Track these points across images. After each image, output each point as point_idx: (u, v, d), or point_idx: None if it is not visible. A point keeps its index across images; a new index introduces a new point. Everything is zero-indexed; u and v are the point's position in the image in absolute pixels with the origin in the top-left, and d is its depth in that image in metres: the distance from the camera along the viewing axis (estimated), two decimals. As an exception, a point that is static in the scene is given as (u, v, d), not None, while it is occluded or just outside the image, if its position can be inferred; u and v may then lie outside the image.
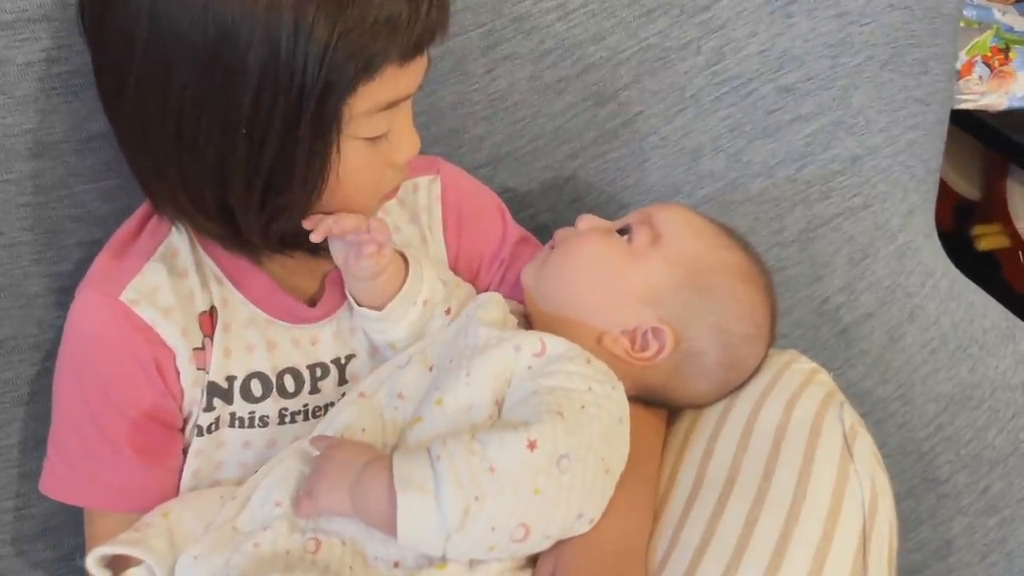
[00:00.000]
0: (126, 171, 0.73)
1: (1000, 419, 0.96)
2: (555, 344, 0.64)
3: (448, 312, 0.70)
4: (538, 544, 0.58)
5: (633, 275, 0.67)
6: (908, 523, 0.92)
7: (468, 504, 0.54)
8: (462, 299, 0.72)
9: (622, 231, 0.70)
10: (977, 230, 1.55)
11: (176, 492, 0.68)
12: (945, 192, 1.50)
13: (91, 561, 0.61)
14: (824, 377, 0.72)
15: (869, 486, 0.65)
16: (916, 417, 0.96)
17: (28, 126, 0.69)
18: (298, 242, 0.65)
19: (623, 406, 0.63)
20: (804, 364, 0.73)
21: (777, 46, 0.93)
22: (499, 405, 0.62)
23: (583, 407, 0.60)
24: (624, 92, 0.90)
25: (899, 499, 0.92)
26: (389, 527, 0.56)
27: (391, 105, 0.61)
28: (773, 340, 0.72)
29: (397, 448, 0.63)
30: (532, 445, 0.56)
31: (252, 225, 0.62)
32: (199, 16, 0.55)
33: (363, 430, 0.64)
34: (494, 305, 0.68)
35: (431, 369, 0.66)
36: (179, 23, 0.55)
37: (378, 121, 0.61)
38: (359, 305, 0.68)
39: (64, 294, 0.74)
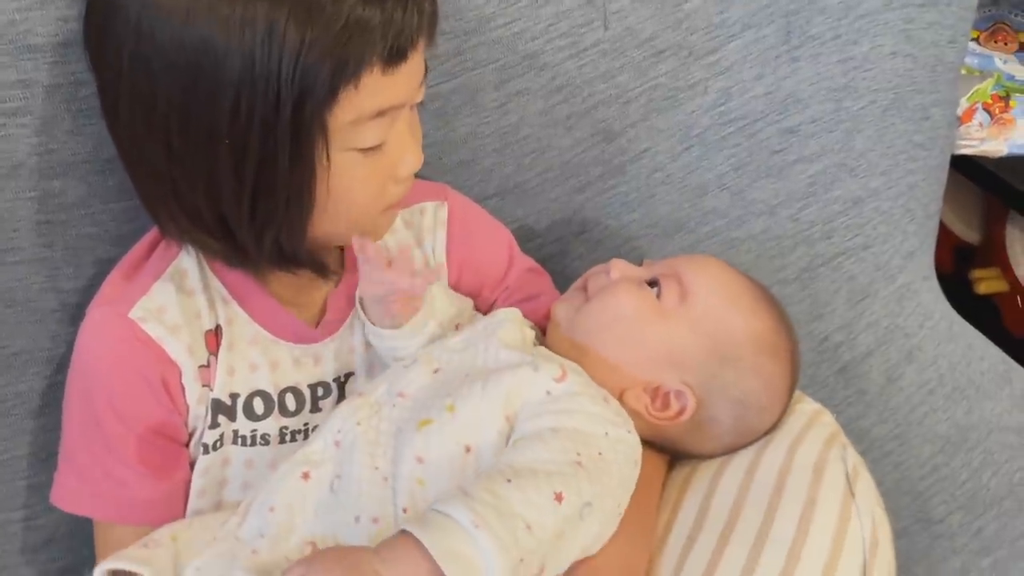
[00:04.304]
0: (145, 192, 0.75)
1: (995, 461, 0.97)
2: (574, 371, 0.65)
3: (457, 328, 0.71)
4: None
5: (660, 336, 0.68)
6: (902, 562, 0.91)
7: (513, 568, 0.54)
8: (467, 319, 0.73)
9: (651, 283, 0.70)
10: (976, 274, 1.56)
11: (184, 505, 0.69)
12: (945, 235, 1.52)
13: (99, 573, 0.62)
14: (828, 418, 0.73)
15: (870, 525, 0.66)
16: (912, 457, 0.97)
17: (52, 146, 0.71)
18: (297, 258, 0.66)
19: (637, 449, 0.64)
20: (808, 405, 0.74)
21: (782, 89, 0.95)
22: (510, 420, 0.62)
23: (600, 453, 0.60)
24: (632, 129, 0.91)
25: (894, 538, 0.93)
26: None
27: (381, 114, 0.61)
28: (786, 409, 0.72)
29: (397, 446, 0.62)
30: (559, 498, 0.57)
31: (246, 238, 0.63)
32: (178, 31, 0.57)
33: (358, 424, 0.64)
34: (513, 324, 0.69)
35: (436, 371, 0.66)
36: (160, 38, 0.57)
37: (369, 131, 0.62)
38: (373, 324, 0.70)
39: (79, 310, 0.75)
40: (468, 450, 0.61)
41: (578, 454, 0.59)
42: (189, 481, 0.69)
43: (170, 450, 0.68)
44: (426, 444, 0.61)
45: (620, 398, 0.67)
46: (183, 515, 0.69)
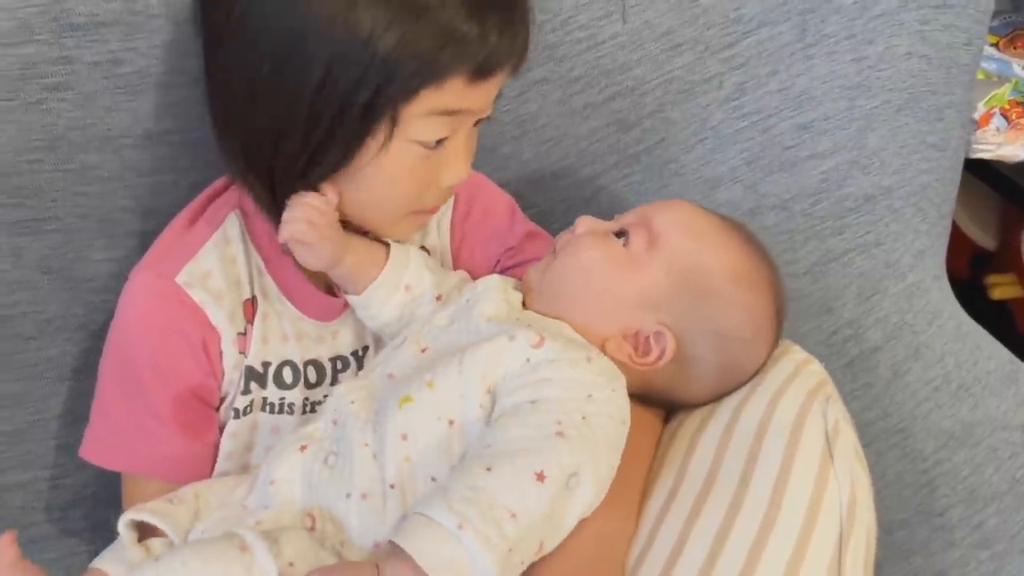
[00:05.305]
0: (178, 168, 0.78)
1: (998, 457, 0.98)
2: (553, 336, 0.63)
3: (439, 299, 0.72)
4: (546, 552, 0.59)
5: (630, 281, 0.67)
6: (902, 552, 0.94)
7: (504, 559, 0.55)
8: (453, 286, 0.73)
9: (619, 233, 0.70)
10: (991, 279, 1.56)
11: (211, 467, 0.71)
12: (962, 242, 1.52)
13: (122, 523, 0.63)
14: (815, 367, 0.71)
15: (848, 490, 0.63)
16: (916, 451, 0.98)
17: (90, 121, 0.74)
18: None
19: (625, 407, 0.63)
20: (795, 355, 0.72)
21: (796, 85, 0.96)
22: (491, 393, 0.62)
23: (584, 418, 0.59)
24: (647, 120, 0.93)
25: (894, 528, 0.95)
26: None
27: (451, 113, 0.65)
28: (776, 343, 0.71)
29: (380, 423, 0.62)
30: (540, 477, 0.56)
31: (287, 192, 0.66)
32: (284, 6, 0.61)
33: (352, 402, 0.64)
34: (495, 293, 0.69)
35: (424, 351, 0.67)
36: (270, 10, 0.61)
37: (435, 125, 0.65)
38: (346, 293, 0.72)
39: (111, 279, 0.79)
40: (451, 423, 0.61)
41: (559, 423, 0.58)
42: (217, 444, 0.72)
43: (203, 412, 0.71)
44: (408, 421, 0.61)
45: (603, 350, 0.66)
46: (209, 476, 0.71)
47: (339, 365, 0.74)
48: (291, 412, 0.72)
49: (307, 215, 0.66)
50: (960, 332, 1.05)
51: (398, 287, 0.71)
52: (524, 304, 0.70)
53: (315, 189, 0.67)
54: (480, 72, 0.63)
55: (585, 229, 0.71)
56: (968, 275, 1.56)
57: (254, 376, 0.71)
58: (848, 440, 0.66)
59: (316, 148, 0.64)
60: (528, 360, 0.62)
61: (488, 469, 0.56)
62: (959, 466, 0.97)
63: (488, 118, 0.70)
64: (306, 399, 0.73)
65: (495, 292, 0.69)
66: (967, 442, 0.98)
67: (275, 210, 0.68)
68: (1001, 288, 1.55)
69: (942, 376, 1.01)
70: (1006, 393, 1.02)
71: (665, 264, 0.68)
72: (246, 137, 0.66)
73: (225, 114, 0.68)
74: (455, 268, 0.79)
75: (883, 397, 1.00)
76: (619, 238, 0.70)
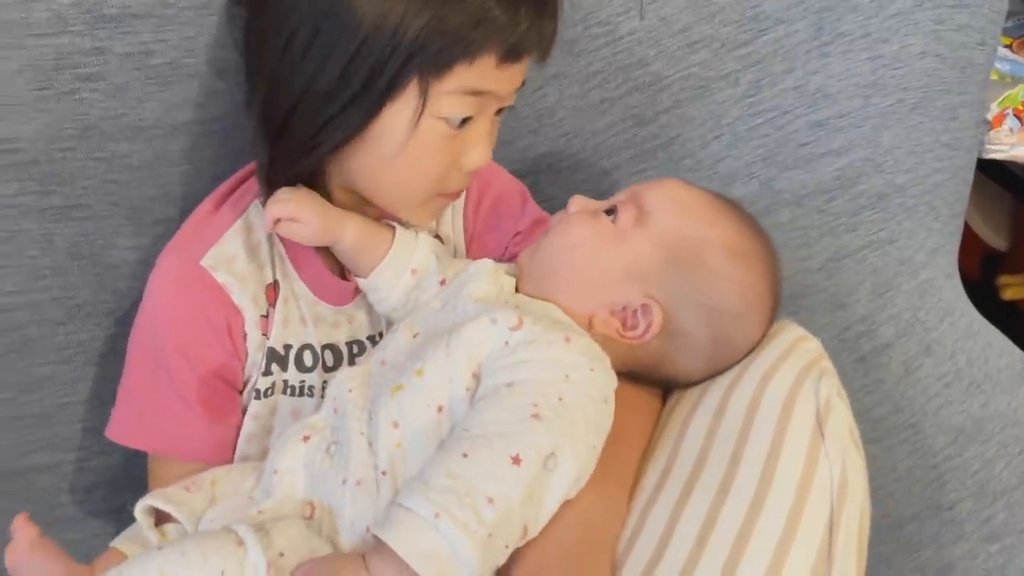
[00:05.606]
0: (205, 158, 0.80)
1: (1008, 453, 0.99)
2: (534, 318, 0.63)
3: (443, 283, 0.72)
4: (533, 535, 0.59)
5: (617, 256, 0.67)
6: (912, 546, 0.95)
7: (483, 544, 0.54)
8: (458, 272, 0.73)
9: (610, 211, 0.69)
10: (1003, 280, 1.56)
11: (233, 449, 0.73)
12: (974, 243, 1.53)
13: (139, 508, 0.65)
14: (811, 344, 0.69)
15: (839, 469, 0.61)
16: (926, 446, 0.98)
17: (121, 111, 0.75)
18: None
19: (606, 385, 0.62)
20: (792, 333, 0.70)
21: (812, 83, 0.98)
22: (476, 377, 0.61)
23: (561, 399, 0.59)
24: (664, 116, 0.95)
25: (904, 522, 0.96)
26: None
27: (479, 93, 0.66)
28: (772, 319, 0.70)
29: (374, 411, 0.63)
30: (516, 460, 0.56)
31: (291, 151, 0.68)
32: None
33: (350, 390, 0.65)
34: (486, 275, 0.69)
35: (415, 336, 0.67)
36: None
37: (462, 104, 0.66)
38: (356, 276, 0.73)
39: (139, 266, 0.80)
40: (440, 410, 0.61)
41: (534, 406, 0.58)
42: (239, 428, 0.73)
43: (227, 394, 0.72)
44: (399, 409, 0.61)
45: (590, 326, 0.66)
46: (231, 459, 0.73)
47: (355, 349, 0.76)
48: (311, 395, 0.74)
49: (283, 193, 0.69)
50: (971, 330, 1.06)
51: (405, 270, 0.72)
52: (517, 288, 0.70)
53: (316, 169, 0.69)
54: (510, 54, 0.65)
55: (577, 208, 0.71)
56: (979, 276, 1.57)
57: (276, 358, 0.73)
58: (841, 418, 0.64)
59: (335, 114, 0.65)
60: (507, 343, 0.62)
61: (465, 455, 0.56)
62: (969, 461, 0.98)
63: (511, 107, 0.71)
64: (325, 382, 0.74)
65: (486, 274, 0.69)
66: (977, 438, 0.99)
67: (268, 170, 0.70)
68: (1012, 289, 1.55)
69: (953, 372, 1.02)
70: (1016, 390, 1.03)
71: (653, 238, 0.67)
72: (268, 86, 0.67)
73: (257, 61, 0.68)
74: (468, 258, 0.80)
75: (894, 393, 1.01)
76: (609, 215, 0.69)
